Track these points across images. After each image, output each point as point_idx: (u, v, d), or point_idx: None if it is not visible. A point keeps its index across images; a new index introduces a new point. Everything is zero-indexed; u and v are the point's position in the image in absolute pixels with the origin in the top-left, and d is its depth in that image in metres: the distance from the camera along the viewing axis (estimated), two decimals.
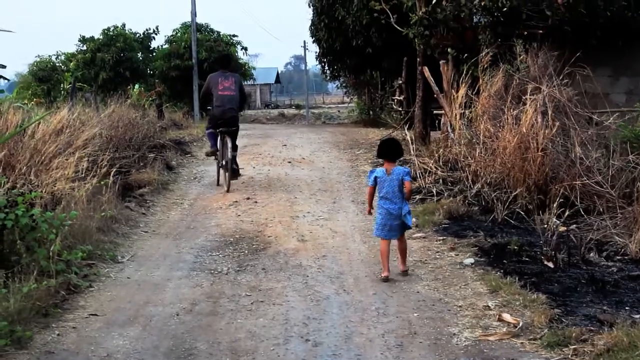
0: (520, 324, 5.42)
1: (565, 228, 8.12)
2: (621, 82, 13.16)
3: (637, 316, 5.46)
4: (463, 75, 12.10)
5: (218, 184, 12.32)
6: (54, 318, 5.72)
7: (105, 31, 33.66)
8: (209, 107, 12.34)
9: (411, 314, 5.87)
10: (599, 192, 8.78)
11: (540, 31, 12.07)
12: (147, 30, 35.25)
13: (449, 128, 12.38)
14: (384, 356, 5.01)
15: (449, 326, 5.57)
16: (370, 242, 8.36)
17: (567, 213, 8.43)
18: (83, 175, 9.37)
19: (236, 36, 34.86)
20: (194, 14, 31.68)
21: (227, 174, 11.81)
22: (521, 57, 11.57)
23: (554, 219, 8.08)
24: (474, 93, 11.76)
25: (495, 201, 9.29)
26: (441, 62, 13.49)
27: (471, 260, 7.37)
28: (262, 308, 6.07)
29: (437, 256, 7.73)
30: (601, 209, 8.58)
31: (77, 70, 32.13)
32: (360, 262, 7.57)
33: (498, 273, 6.78)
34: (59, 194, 8.65)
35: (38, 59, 34.63)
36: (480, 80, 11.63)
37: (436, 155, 11.80)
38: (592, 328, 5.20)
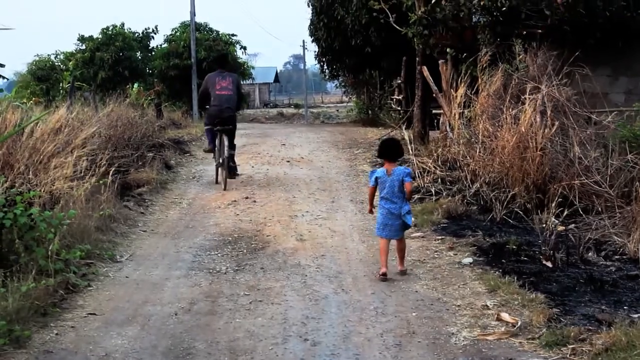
0: (519, 324, 5.42)
1: (564, 227, 8.12)
2: (620, 81, 13.17)
3: (636, 316, 5.46)
4: (462, 74, 12.10)
5: (216, 182, 12.39)
6: (52, 317, 5.72)
7: (105, 30, 33.66)
8: (207, 107, 12.40)
9: (410, 314, 5.87)
10: (598, 191, 8.78)
11: (540, 31, 12.07)
12: (146, 29, 35.27)
13: (447, 127, 12.38)
14: (382, 356, 5.01)
15: (448, 325, 5.57)
16: (369, 241, 8.36)
17: (565, 212, 8.43)
18: (82, 174, 9.37)
19: (235, 35, 34.90)
20: (193, 13, 31.69)
21: (224, 172, 11.94)
22: (520, 56, 11.57)
23: (553, 219, 8.09)
24: (472, 92, 11.76)
25: (493, 200, 9.29)
26: (440, 61, 13.49)
27: (470, 259, 7.37)
28: (261, 307, 6.06)
29: (436, 255, 7.73)
30: (600, 209, 8.58)
31: (76, 69, 32.12)
32: (358, 261, 7.58)
33: (497, 272, 6.78)
34: (57, 193, 8.64)
35: (37, 58, 34.66)
36: (479, 80, 11.63)
37: (435, 154, 11.80)
38: (590, 327, 5.20)
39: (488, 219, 8.97)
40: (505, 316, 5.63)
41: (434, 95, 13.80)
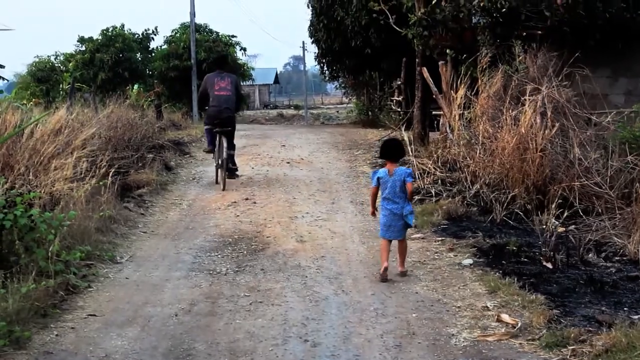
0: (519, 325, 5.42)
1: (564, 229, 8.12)
2: (620, 83, 13.17)
3: (636, 317, 5.46)
4: (462, 76, 12.10)
5: (216, 183, 12.42)
6: (52, 318, 5.72)
7: (104, 32, 33.67)
8: (207, 107, 12.43)
9: (410, 315, 5.87)
10: (598, 192, 8.78)
11: (539, 32, 12.07)
12: (146, 30, 35.27)
13: (447, 129, 12.38)
14: (382, 357, 5.01)
15: (448, 327, 5.57)
16: (369, 242, 8.36)
17: (565, 214, 8.42)
18: (82, 175, 9.37)
19: (235, 36, 34.92)
20: (192, 14, 31.70)
21: (223, 172, 12.00)
22: (520, 57, 11.57)
23: (553, 220, 8.08)
24: (472, 94, 11.76)
25: (494, 202, 9.29)
26: (440, 62, 13.49)
27: (470, 260, 7.37)
28: (261, 308, 6.06)
29: (436, 257, 7.73)
30: (600, 210, 8.58)
31: (76, 70, 32.12)
32: (359, 262, 7.58)
33: (497, 274, 6.78)
34: (57, 194, 8.64)
35: (37, 60, 34.64)
36: (479, 81, 11.64)
37: (435, 155, 11.80)
38: (590, 329, 5.21)
39: (488, 220, 8.97)
40: (505, 317, 5.63)
41: (434, 96, 13.81)
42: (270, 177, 13.13)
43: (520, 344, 5.16)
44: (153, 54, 34.79)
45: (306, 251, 8.03)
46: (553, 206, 8.35)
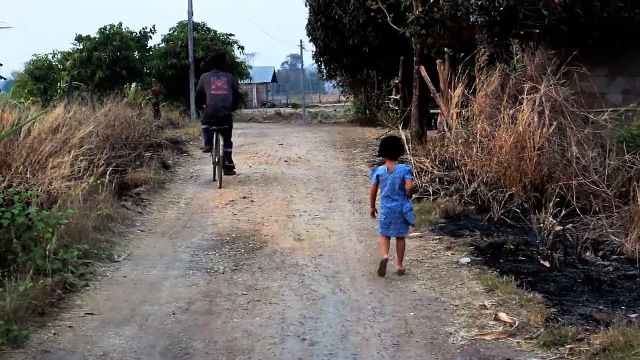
0: (517, 324, 5.42)
1: (562, 227, 8.12)
2: (618, 82, 13.19)
3: (634, 316, 5.47)
4: (460, 74, 12.10)
5: (214, 180, 12.45)
6: (50, 317, 5.71)
7: (102, 30, 33.60)
8: (204, 106, 12.47)
9: (408, 314, 5.87)
10: (596, 191, 8.79)
11: (537, 31, 12.09)
12: (144, 29, 35.19)
13: (445, 127, 12.39)
14: (380, 356, 5.01)
15: (446, 326, 5.57)
16: (367, 241, 8.37)
17: (563, 212, 8.44)
18: (80, 174, 9.36)
19: (233, 35, 34.81)
20: (190, 13, 31.66)
21: (220, 170, 12.09)
22: (518, 56, 11.58)
23: (551, 219, 8.09)
24: (470, 92, 11.77)
25: (491, 200, 9.30)
26: (438, 61, 13.49)
27: (468, 259, 7.37)
28: (259, 307, 6.06)
29: (434, 255, 7.74)
30: (597, 209, 8.59)
31: (73, 69, 32.06)
32: (356, 261, 7.58)
33: (494, 272, 6.78)
34: (55, 193, 8.63)
35: (35, 58, 34.56)
36: (477, 80, 11.65)
37: (433, 154, 11.80)
38: (588, 327, 5.21)
39: (486, 219, 8.98)
40: (503, 316, 5.63)
41: (432, 95, 13.81)
42: (268, 175, 13.13)
43: (518, 342, 5.16)
44: (151, 53, 34.71)
45: (304, 250, 8.03)
46: (551, 205, 8.36)
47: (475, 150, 10.45)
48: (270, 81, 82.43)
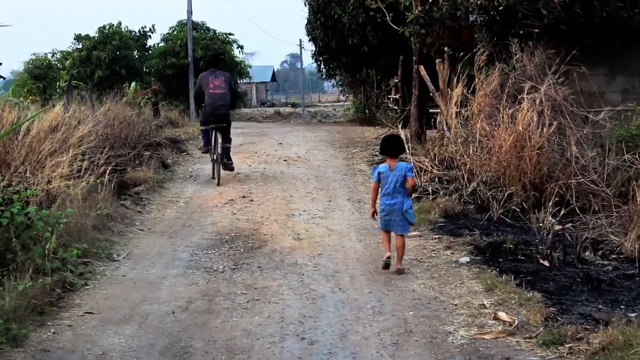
0: (516, 323, 5.43)
1: (561, 227, 8.13)
2: (617, 81, 13.18)
3: (633, 315, 5.47)
4: (459, 73, 12.11)
5: (212, 178, 12.56)
6: (49, 316, 5.72)
7: (101, 29, 33.55)
8: (203, 104, 12.54)
9: (407, 313, 5.87)
10: (595, 190, 8.80)
11: (536, 30, 12.08)
12: (143, 28, 35.13)
13: (444, 127, 12.39)
14: (379, 354, 5.01)
15: (445, 325, 5.58)
16: (366, 240, 8.37)
17: (562, 212, 8.44)
18: (79, 173, 9.35)
19: (232, 34, 34.74)
20: (190, 12, 31.64)
21: (219, 167, 12.26)
22: (517, 56, 11.58)
23: (550, 218, 8.10)
24: (469, 92, 11.77)
25: (490, 200, 9.30)
26: (437, 60, 13.48)
27: (467, 258, 7.37)
28: (258, 306, 6.06)
29: (433, 255, 7.74)
30: (596, 208, 8.60)
31: (72, 68, 32.01)
32: (355, 260, 7.58)
33: (494, 271, 6.79)
34: (54, 192, 8.63)
35: (34, 57, 34.50)
36: (476, 79, 11.64)
37: (432, 153, 11.80)
38: (587, 326, 5.21)
39: (485, 218, 8.98)
40: (502, 315, 5.64)
41: (431, 94, 13.80)
42: (268, 174, 13.13)
43: (517, 341, 5.17)
44: (150, 52, 34.66)
45: (303, 249, 8.03)
46: (550, 204, 8.36)
47: (474, 149, 10.46)
48: (269, 80, 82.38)
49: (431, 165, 11.38)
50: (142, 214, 9.93)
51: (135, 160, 12.83)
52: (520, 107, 10.02)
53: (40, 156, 9.46)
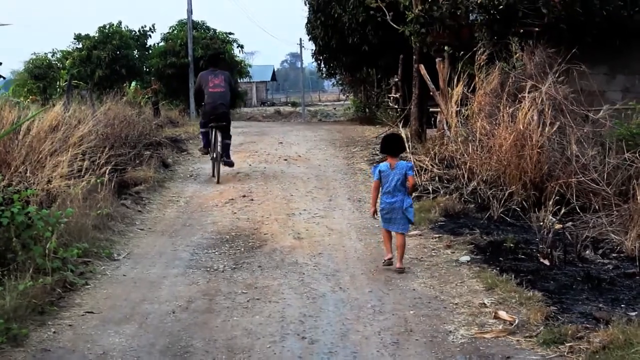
0: (516, 322, 5.43)
1: (561, 226, 8.13)
2: (617, 80, 13.18)
3: (633, 314, 5.47)
4: (459, 72, 12.11)
5: (212, 176, 12.62)
6: (49, 316, 5.72)
7: (101, 29, 33.55)
8: (203, 103, 12.58)
9: (407, 312, 5.87)
10: (595, 189, 8.80)
11: (537, 29, 12.08)
12: (143, 27, 35.15)
13: (445, 126, 12.38)
14: (380, 354, 5.01)
15: (445, 324, 5.58)
16: (366, 239, 8.37)
17: (563, 211, 8.43)
18: (79, 173, 9.35)
19: (232, 34, 34.74)
20: (190, 11, 31.65)
21: (219, 165, 12.36)
22: (517, 54, 11.58)
23: (550, 217, 8.09)
24: (470, 91, 11.77)
25: (491, 199, 9.30)
26: (437, 59, 13.48)
27: (467, 257, 7.38)
28: (258, 305, 6.06)
29: (433, 254, 7.74)
30: (597, 207, 8.60)
31: (73, 67, 32.01)
32: (356, 259, 7.58)
33: (494, 270, 6.79)
34: (54, 191, 8.63)
35: (34, 57, 34.50)
36: (477, 78, 11.64)
37: (432, 152, 11.80)
38: (588, 325, 5.21)
39: (485, 217, 8.98)
40: (502, 314, 5.64)
41: (431, 93, 13.80)
42: (268, 174, 13.12)
43: (517, 340, 5.17)
44: (150, 51, 34.67)
45: (303, 248, 8.03)
46: (550, 203, 8.35)
47: (474, 148, 10.45)
48: (269, 79, 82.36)
49: (431, 164, 11.37)
50: (142, 213, 9.93)
51: (135, 160, 12.83)
52: (520, 106, 10.02)
53: (40, 156, 9.46)
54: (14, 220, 6.38)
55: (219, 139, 12.25)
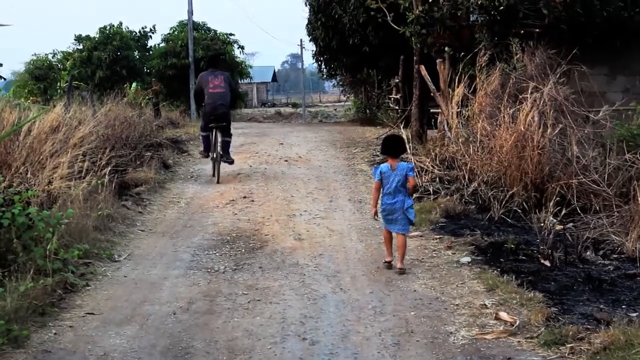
0: (517, 323, 5.42)
1: (562, 226, 8.13)
2: (618, 80, 13.19)
3: (634, 314, 5.47)
4: (460, 73, 12.11)
5: (213, 176, 12.67)
6: (50, 317, 5.72)
7: (102, 30, 33.58)
8: (203, 104, 12.61)
9: (408, 313, 5.87)
10: (596, 190, 8.79)
11: (537, 30, 12.09)
12: (143, 28, 35.19)
13: (445, 126, 12.39)
14: (380, 355, 5.01)
15: (446, 325, 5.57)
16: (367, 240, 8.37)
17: (563, 211, 8.44)
18: (80, 174, 9.36)
19: (233, 35, 34.78)
20: (190, 12, 31.67)
21: (219, 165, 12.45)
22: (518, 55, 11.58)
23: (551, 218, 8.09)
24: (470, 92, 11.77)
25: (492, 200, 9.30)
26: (438, 60, 13.49)
27: (468, 258, 7.37)
28: (259, 307, 6.06)
29: (434, 255, 7.74)
30: (598, 208, 8.60)
31: (73, 68, 32.05)
32: (357, 260, 7.58)
33: (495, 271, 6.78)
34: (55, 192, 8.64)
35: (35, 58, 34.54)
36: (477, 79, 11.65)
37: (433, 153, 11.80)
38: (588, 326, 5.21)
39: (486, 218, 8.98)
40: (503, 315, 5.63)
41: (432, 94, 13.81)
42: (269, 175, 13.13)
43: (518, 342, 5.16)
44: (151, 52, 34.70)
45: (304, 249, 8.03)
46: (551, 204, 8.35)
47: (475, 149, 10.45)
48: (270, 80, 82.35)
49: (432, 165, 11.37)
50: (143, 214, 9.93)
51: (136, 161, 12.84)
52: (521, 107, 10.02)
53: (41, 157, 9.46)
54: (15, 221, 6.38)
55: (219, 138, 12.32)
